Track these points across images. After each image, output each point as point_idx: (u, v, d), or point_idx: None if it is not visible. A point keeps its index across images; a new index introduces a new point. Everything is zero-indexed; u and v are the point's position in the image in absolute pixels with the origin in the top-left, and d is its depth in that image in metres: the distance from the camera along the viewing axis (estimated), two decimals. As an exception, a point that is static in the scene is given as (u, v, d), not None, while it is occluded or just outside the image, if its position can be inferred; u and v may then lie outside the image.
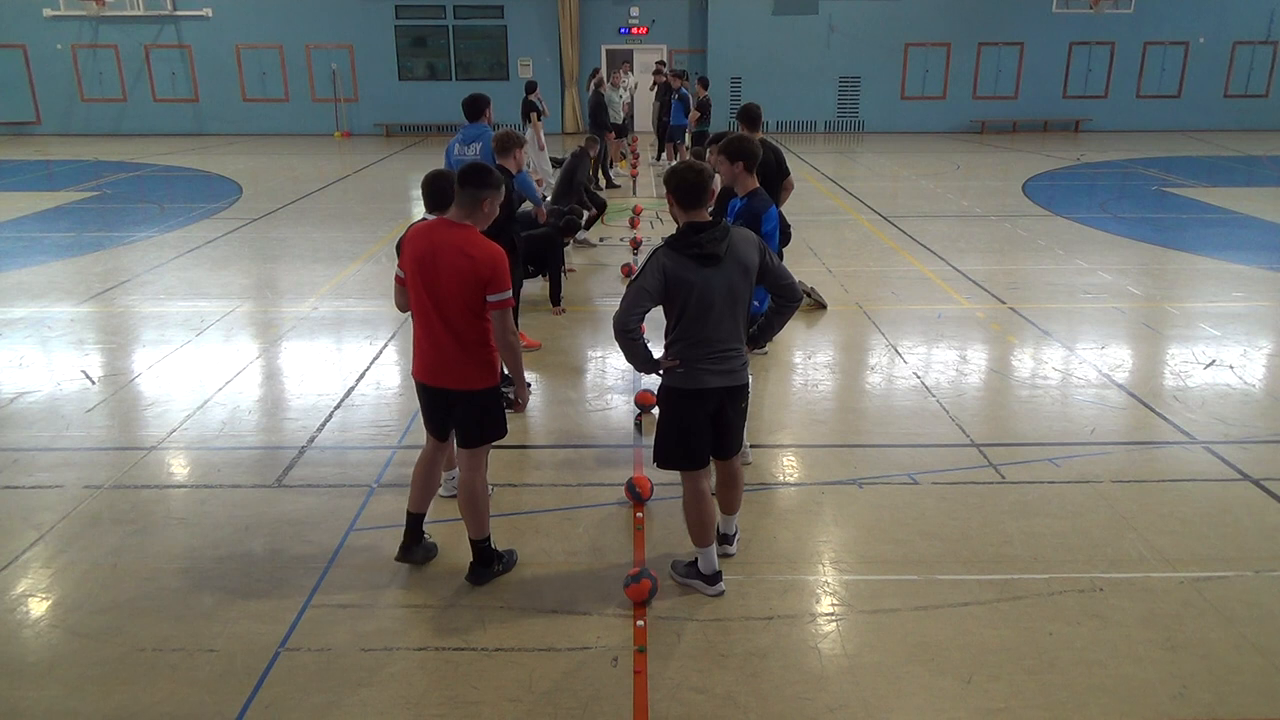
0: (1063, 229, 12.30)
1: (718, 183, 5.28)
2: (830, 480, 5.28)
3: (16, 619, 3.99)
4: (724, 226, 3.79)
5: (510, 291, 3.89)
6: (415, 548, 4.34)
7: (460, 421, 4.10)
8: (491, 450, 5.70)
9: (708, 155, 6.90)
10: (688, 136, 16.42)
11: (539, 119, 14.39)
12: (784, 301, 4.06)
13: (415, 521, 4.32)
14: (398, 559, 4.32)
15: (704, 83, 16.48)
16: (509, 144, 6.34)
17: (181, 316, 8.43)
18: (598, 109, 16.29)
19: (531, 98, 14.87)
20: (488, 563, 4.20)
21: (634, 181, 16.19)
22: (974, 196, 15.02)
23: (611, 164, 16.37)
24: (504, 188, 4.04)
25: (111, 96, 24.71)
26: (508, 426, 4.23)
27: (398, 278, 4.16)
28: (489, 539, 4.19)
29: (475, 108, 7.92)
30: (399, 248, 4.92)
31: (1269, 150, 20.68)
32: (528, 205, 7.69)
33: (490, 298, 3.84)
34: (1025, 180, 16.60)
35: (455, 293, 3.82)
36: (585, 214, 11.20)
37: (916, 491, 5.11)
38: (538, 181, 11.94)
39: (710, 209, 3.92)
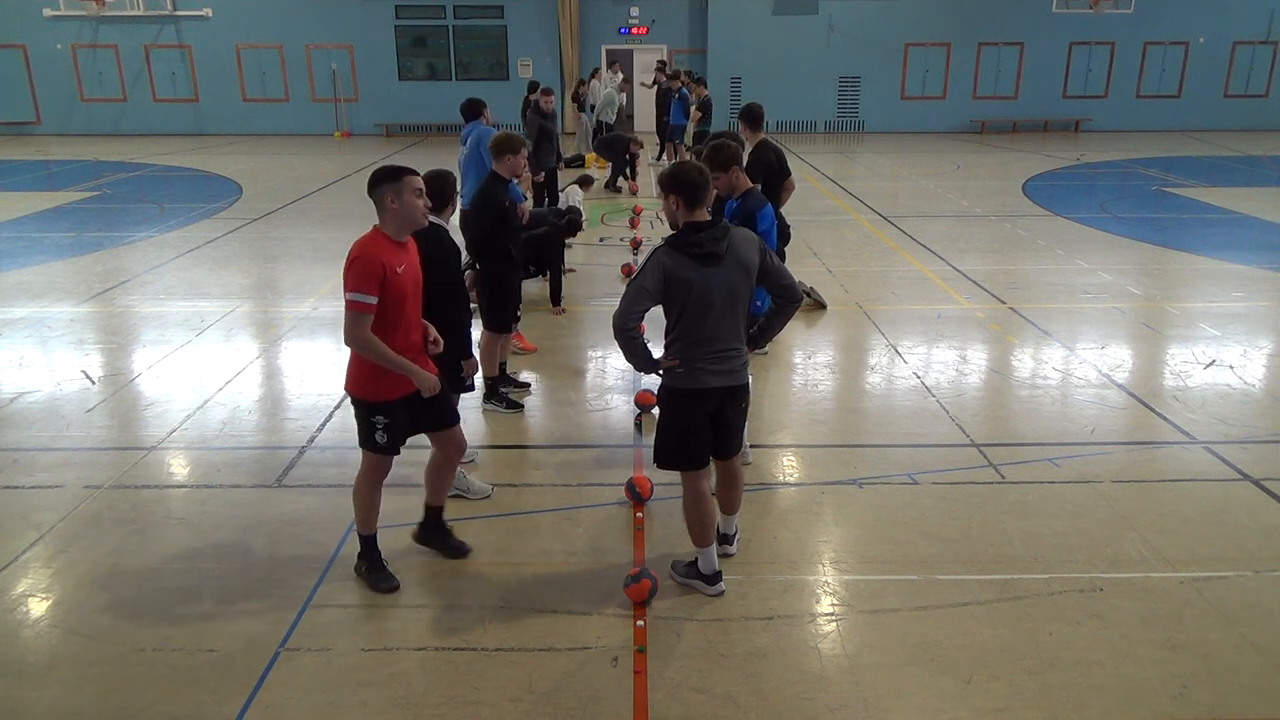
0: (1063, 229, 12.30)
1: None
2: (830, 480, 5.28)
3: (16, 619, 3.99)
4: (724, 226, 3.79)
5: (357, 294, 3.74)
6: (429, 531, 4.49)
7: None
8: (491, 450, 5.75)
9: None
10: (688, 136, 16.42)
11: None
12: (784, 302, 4.05)
13: (427, 512, 4.43)
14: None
15: (702, 82, 16.50)
16: (503, 147, 5.90)
17: (181, 316, 8.42)
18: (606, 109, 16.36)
19: (533, 97, 14.82)
20: (361, 556, 4.27)
21: (633, 180, 16.16)
22: (974, 196, 15.02)
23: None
24: (400, 180, 3.81)
25: (111, 96, 24.71)
26: (379, 444, 4.05)
27: None
28: (367, 538, 4.23)
29: (471, 109, 8.29)
30: None
31: (1269, 150, 20.67)
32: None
33: (345, 296, 3.79)
34: (1025, 180, 16.60)
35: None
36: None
37: (916, 491, 5.11)
38: None
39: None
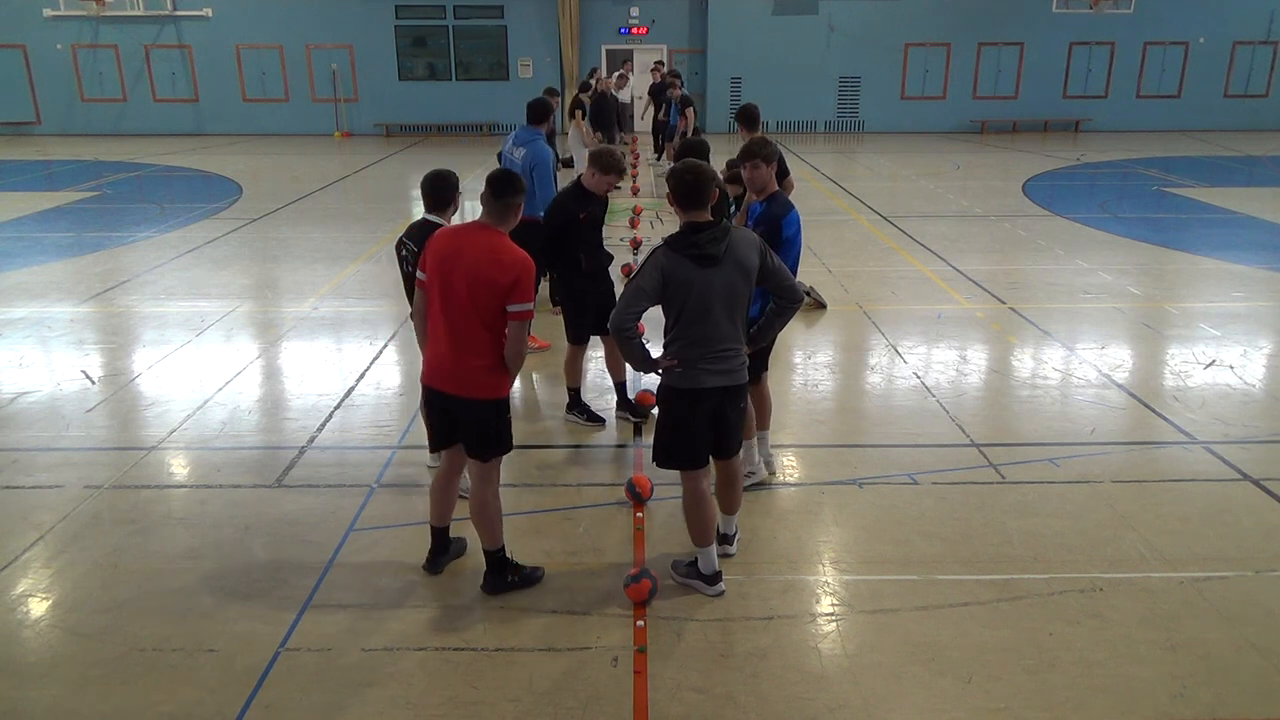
0: (1063, 229, 12.30)
1: None
2: (830, 480, 5.28)
3: (16, 619, 3.99)
4: (724, 227, 3.79)
5: (526, 304, 3.78)
6: (441, 558, 4.34)
7: (463, 431, 4.03)
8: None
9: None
10: (678, 137, 16.48)
11: (583, 117, 15.01)
12: (785, 303, 4.05)
13: (439, 535, 4.31)
14: (425, 569, 4.31)
15: (677, 76, 17.07)
16: (606, 165, 5.73)
17: (181, 316, 8.42)
18: (602, 110, 16.36)
19: (581, 96, 15.43)
20: (500, 571, 4.15)
21: (633, 180, 16.18)
22: (974, 196, 15.02)
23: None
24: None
25: (111, 96, 24.70)
26: (512, 441, 4.09)
27: (419, 280, 4.05)
28: (502, 549, 4.14)
29: (541, 112, 7.28)
30: (399, 248, 4.93)
31: (1269, 150, 20.67)
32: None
33: (511, 308, 3.76)
34: (1025, 180, 16.60)
35: (467, 296, 3.76)
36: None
37: (916, 491, 5.11)
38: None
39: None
